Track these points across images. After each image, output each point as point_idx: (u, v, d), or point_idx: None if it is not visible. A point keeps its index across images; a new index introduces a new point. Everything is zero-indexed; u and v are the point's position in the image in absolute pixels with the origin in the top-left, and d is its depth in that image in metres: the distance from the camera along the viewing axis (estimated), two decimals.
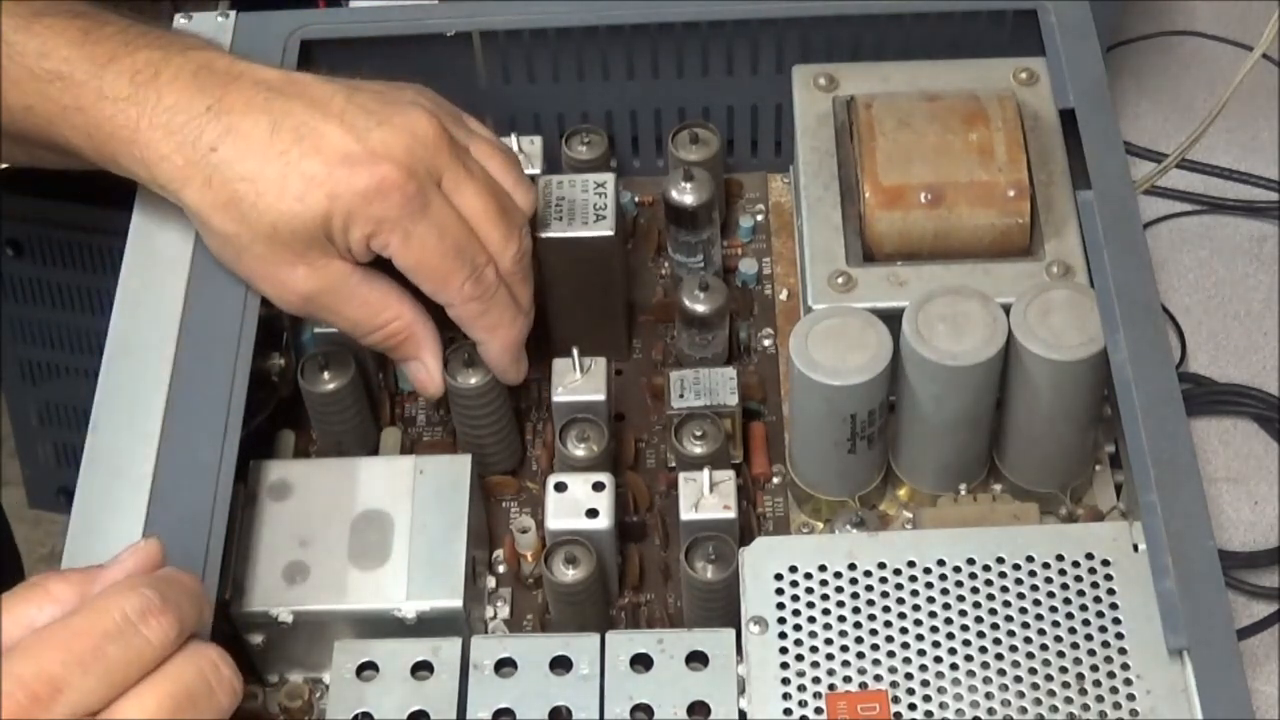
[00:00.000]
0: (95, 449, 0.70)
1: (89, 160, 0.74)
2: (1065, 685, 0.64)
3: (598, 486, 0.73)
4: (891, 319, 0.71)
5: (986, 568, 0.67)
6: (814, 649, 0.65)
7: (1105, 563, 0.67)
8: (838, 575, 0.67)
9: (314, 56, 0.82)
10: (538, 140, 0.83)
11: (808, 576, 0.67)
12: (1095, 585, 0.66)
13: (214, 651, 0.59)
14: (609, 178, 0.79)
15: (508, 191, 0.75)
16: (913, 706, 0.63)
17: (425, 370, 0.75)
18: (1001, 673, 0.64)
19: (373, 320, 0.74)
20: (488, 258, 0.73)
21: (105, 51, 0.72)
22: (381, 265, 0.74)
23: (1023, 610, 0.65)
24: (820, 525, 0.76)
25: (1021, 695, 0.64)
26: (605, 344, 0.79)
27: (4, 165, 0.79)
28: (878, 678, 0.64)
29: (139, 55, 0.72)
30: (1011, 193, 0.75)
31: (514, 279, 0.75)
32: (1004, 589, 0.66)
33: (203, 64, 0.73)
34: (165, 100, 0.71)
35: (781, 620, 0.66)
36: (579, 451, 0.74)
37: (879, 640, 0.65)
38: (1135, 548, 0.67)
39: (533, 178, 0.80)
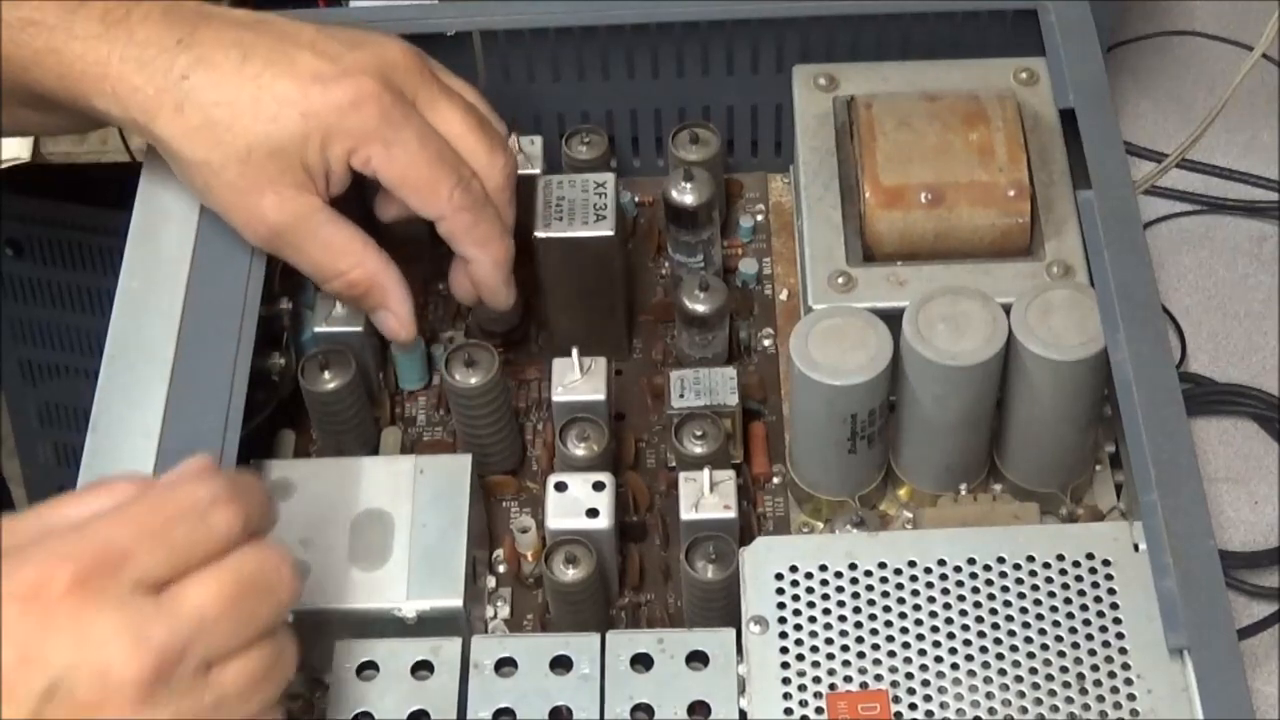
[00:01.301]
0: (95, 449, 0.70)
1: (63, 104, 0.74)
2: (1065, 685, 0.64)
3: (598, 486, 0.73)
4: (891, 319, 0.71)
5: (987, 568, 0.67)
6: (814, 649, 0.65)
7: (1105, 563, 0.67)
8: (838, 575, 0.67)
9: None
10: (538, 140, 0.83)
11: (808, 576, 0.67)
12: (1095, 585, 0.66)
13: (277, 551, 0.59)
14: (609, 178, 0.79)
15: (484, 112, 0.76)
16: (913, 706, 0.63)
17: (395, 318, 0.76)
18: (1002, 673, 0.64)
19: (335, 264, 0.74)
20: (473, 171, 0.74)
21: None
22: (353, 218, 0.74)
23: (1023, 610, 0.65)
24: (820, 525, 0.76)
25: (1021, 695, 0.64)
26: (605, 344, 0.79)
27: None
28: (878, 677, 0.64)
29: None
30: (1011, 193, 0.75)
31: (501, 198, 0.75)
32: (1004, 589, 0.66)
33: (173, 5, 0.74)
34: (136, 36, 0.72)
35: (782, 620, 0.66)
36: (579, 451, 0.74)
37: (879, 640, 0.65)
38: (1135, 548, 0.67)
39: (533, 178, 0.80)
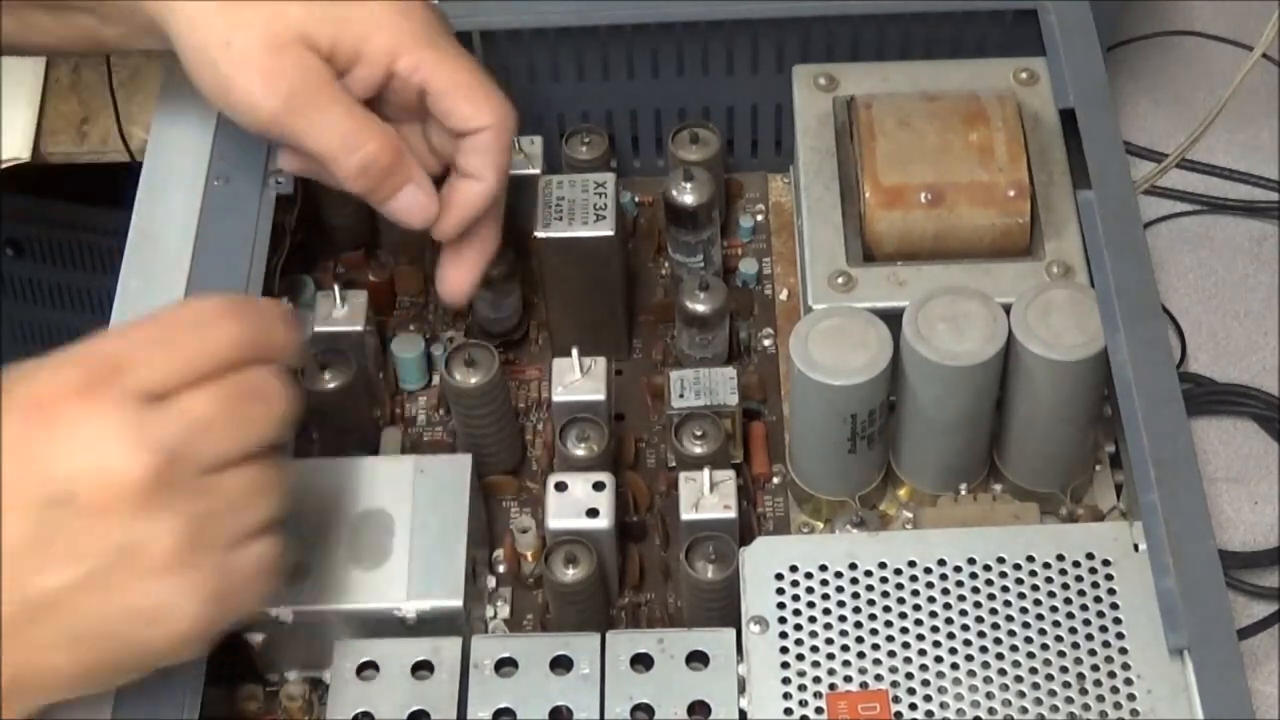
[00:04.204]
0: None
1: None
2: (1065, 685, 0.64)
3: (598, 486, 0.73)
4: (891, 319, 0.71)
5: (987, 568, 0.67)
6: (814, 649, 0.65)
7: (1105, 563, 0.67)
8: (838, 575, 0.67)
9: None
10: (538, 140, 0.83)
11: (808, 576, 0.67)
12: (1095, 585, 0.66)
13: (270, 369, 0.59)
14: (609, 178, 0.79)
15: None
16: (913, 706, 0.63)
17: (422, 191, 0.72)
18: (1002, 673, 0.64)
19: (356, 135, 0.70)
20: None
21: None
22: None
23: (1023, 610, 0.65)
24: (820, 525, 0.76)
25: (1022, 695, 0.64)
26: (605, 344, 0.79)
27: None
28: (878, 677, 0.64)
29: None
30: (1011, 193, 0.75)
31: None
32: (1004, 589, 0.66)
33: None
34: None
35: (782, 620, 0.66)
36: (579, 451, 0.74)
37: (879, 640, 0.65)
38: (1135, 548, 0.67)
39: (533, 178, 0.80)
